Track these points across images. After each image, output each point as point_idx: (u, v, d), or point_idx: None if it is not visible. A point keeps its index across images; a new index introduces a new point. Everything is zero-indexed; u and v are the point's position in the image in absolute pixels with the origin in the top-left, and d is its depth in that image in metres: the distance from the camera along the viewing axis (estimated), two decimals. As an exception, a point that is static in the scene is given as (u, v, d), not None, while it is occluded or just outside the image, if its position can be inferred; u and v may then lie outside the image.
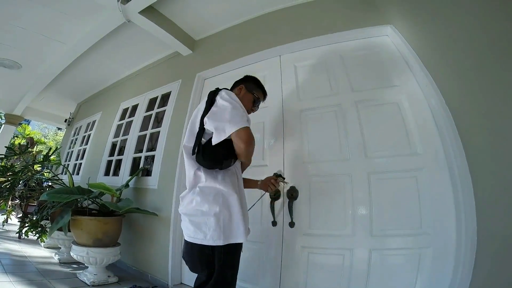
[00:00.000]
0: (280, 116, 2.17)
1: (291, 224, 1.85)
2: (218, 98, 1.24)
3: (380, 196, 1.66)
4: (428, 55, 1.66)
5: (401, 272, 1.54)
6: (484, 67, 1.29)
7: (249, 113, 1.47)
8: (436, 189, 1.54)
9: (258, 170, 2.13)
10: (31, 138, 4.67)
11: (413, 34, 1.76)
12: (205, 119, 1.22)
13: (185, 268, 2.38)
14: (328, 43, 2.19)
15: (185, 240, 1.27)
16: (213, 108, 1.22)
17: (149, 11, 2.68)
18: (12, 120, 6.57)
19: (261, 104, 2.20)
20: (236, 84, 1.59)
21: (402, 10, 1.82)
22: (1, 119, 10.74)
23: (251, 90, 1.52)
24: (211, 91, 1.32)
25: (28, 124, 11.27)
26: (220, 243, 1.14)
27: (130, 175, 3.12)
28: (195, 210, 1.21)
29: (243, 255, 2.06)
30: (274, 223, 1.92)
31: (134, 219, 2.88)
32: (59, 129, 16.36)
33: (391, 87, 1.85)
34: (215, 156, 1.19)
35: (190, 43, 3.19)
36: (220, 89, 1.30)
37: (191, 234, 1.20)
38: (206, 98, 1.30)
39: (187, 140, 1.32)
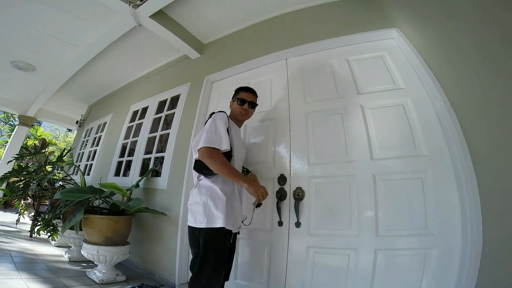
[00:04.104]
0: (286, 118, 2.20)
1: (297, 224, 1.88)
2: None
3: (385, 197, 1.68)
4: (433, 58, 1.68)
5: (407, 272, 1.55)
6: (488, 69, 1.31)
7: (243, 115, 1.79)
8: (442, 190, 1.56)
9: (265, 171, 2.17)
10: (44, 139, 4.80)
11: (418, 37, 1.79)
12: None
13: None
14: (334, 46, 2.22)
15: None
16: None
17: (159, 15, 2.76)
18: (26, 121, 6.76)
19: (269, 106, 2.25)
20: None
21: (407, 13, 1.85)
22: (15, 120, 11.04)
23: (234, 98, 1.83)
24: (209, 116, 1.70)
25: (40, 126, 11.55)
26: (203, 225, 1.43)
27: (140, 176, 3.18)
28: (193, 201, 1.54)
29: (249, 255, 2.08)
30: (280, 223, 1.95)
31: (143, 218, 2.95)
32: (69, 130, 16.71)
33: (396, 89, 1.87)
34: (198, 167, 1.56)
35: (199, 47, 3.26)
36: (213, 113, 1.65)
37: (189, 219, 1.53)
38: None
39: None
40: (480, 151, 1.41)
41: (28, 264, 2.60)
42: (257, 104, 1.84)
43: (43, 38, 3.48)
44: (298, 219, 1.87)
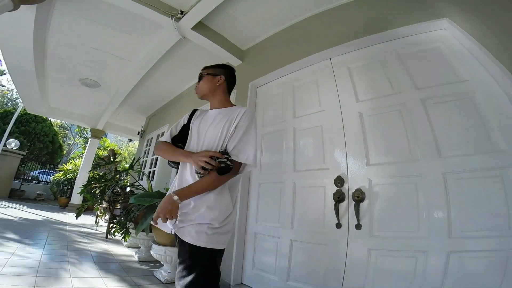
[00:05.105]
0: (339, 119, 2.17)
1: (358, 226, 1.83)
2: None
3: (459, 196, 1.55)
4: (496, 44, 1.51)
5: (483, 277, 1.41)
6: None
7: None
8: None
9: (319, 174, 2.17)
10: (113, 150, 5.42)
11: (472, 25, 1.64)
12: None
13: (246, 268, 2.50)
14: (380, 41, 2.14)
15: None
16: None
17: (199, 27, 2.94)
18: (96, 134, 7.71)
19: (318, 108, 2.26)
20: None
21: (455, 1, 1.72)
22: (87, 133, 12.56)
23: None
24: None
25: (107, 137, 12.93)
26: None
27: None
28: None
29: (303, 257, 2.14)
30: (338, 225, 1.92)
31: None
32: (130, 140, 18.48)
33: (460, 82, 1.72)
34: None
35: (239, 53, 3.37)
36: None
37: None
38: None
39: None
40: None
41: (105, 264, 2.94)
42: (203, 76, 1.56)
43: (103, 56, 3.92)
44: (358, 221, 1.83)
